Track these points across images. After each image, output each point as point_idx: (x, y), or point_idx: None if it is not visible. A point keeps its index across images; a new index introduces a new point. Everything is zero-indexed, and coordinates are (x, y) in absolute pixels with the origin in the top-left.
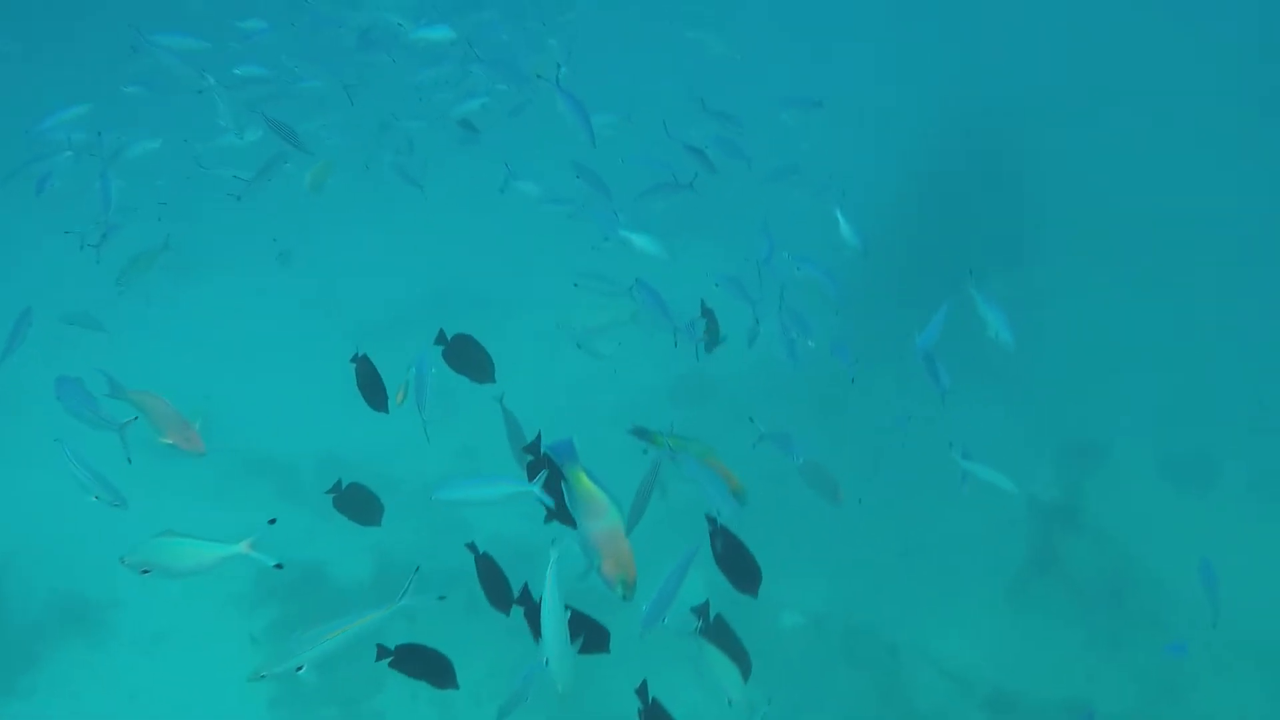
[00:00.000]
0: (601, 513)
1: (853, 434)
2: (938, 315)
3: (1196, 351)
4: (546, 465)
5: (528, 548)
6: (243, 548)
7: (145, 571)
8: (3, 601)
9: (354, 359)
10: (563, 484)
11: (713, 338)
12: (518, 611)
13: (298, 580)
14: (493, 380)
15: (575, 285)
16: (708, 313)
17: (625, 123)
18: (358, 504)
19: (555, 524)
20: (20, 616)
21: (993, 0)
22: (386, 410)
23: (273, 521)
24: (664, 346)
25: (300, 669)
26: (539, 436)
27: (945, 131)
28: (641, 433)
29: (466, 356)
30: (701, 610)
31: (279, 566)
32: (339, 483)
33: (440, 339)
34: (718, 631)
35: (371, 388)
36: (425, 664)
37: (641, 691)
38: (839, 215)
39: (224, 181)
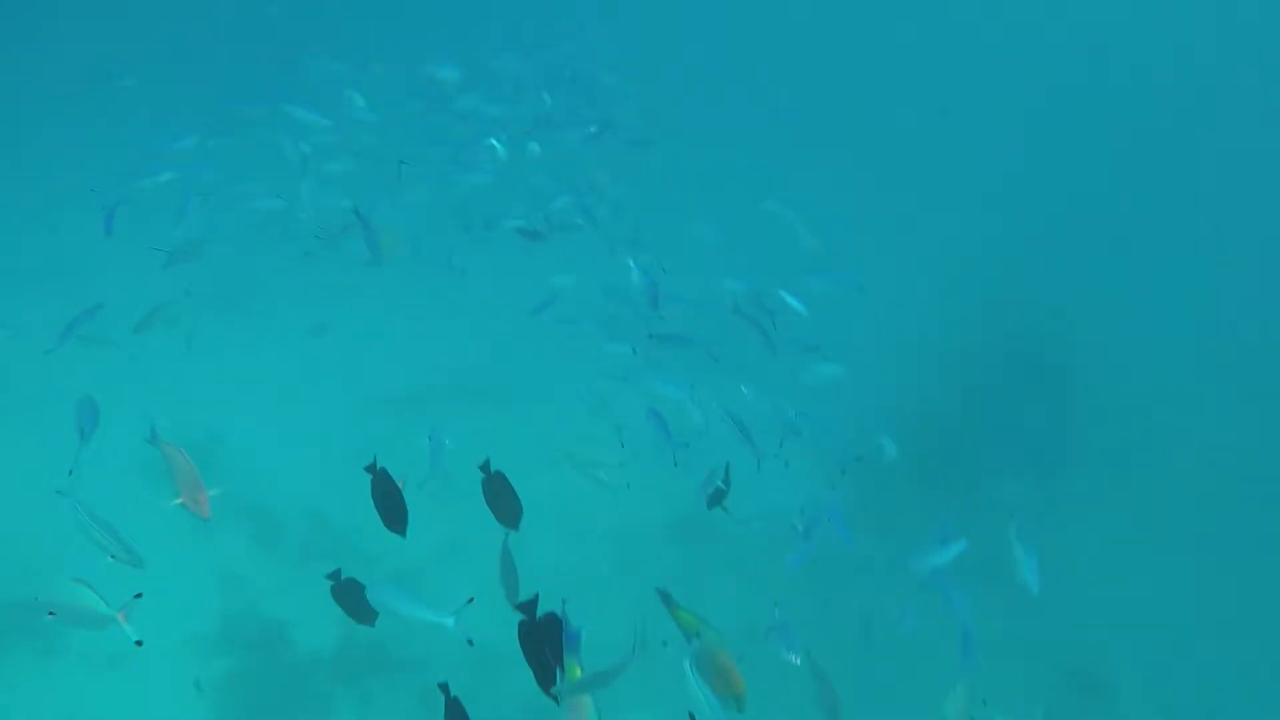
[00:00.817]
0: (582, 712)
1: (845, 601)
2: (953, 546)
3: (1218, 602)
4: (546, 640)
5: (497, 651)
6: (118, 616)
7: (51, 614)
8: None
9: (369, 468)
10: (557, 667)
11: (717, 499)
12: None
13: (259, 636)
14: (516, 529)
15: (579, 396)
16: (726, 474)
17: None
18: (355, 601)
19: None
20: None
21: (1040, 202)
22: (404, 534)
23: (138, 596)
24: (668, 477)
25: None
26: (536, 598)
27: (989, 327)
28: (667, 599)
29: (500, 497)
30: None
31: (139, 644)
32: (338, 572)
33: (484, 468)
34: None
35: (389, 506)
36: None
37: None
38: (886, 443)
39: (302, 239)
